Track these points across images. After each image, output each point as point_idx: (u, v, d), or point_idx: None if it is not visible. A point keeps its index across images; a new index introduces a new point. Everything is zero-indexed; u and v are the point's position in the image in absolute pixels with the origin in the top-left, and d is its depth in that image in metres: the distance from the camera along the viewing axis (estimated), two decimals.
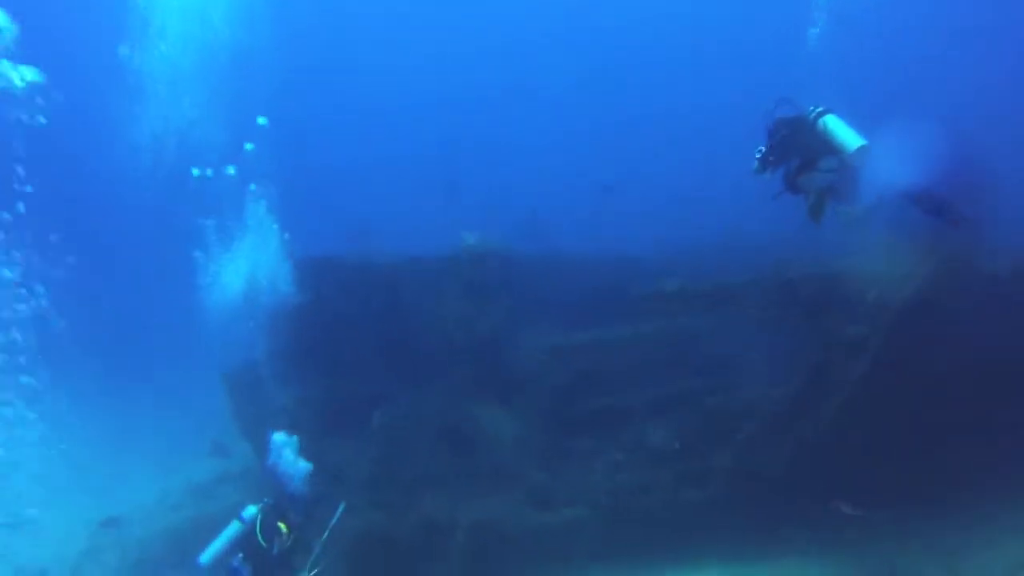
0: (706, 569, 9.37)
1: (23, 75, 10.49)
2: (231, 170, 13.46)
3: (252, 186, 13.28)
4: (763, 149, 8.49)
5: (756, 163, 8.51)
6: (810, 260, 10.15)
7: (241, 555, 8.06)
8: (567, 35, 41.45)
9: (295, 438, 9.26)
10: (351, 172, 36.55)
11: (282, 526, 8.05)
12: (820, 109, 8.42)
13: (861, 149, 7.94)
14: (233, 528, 8.34)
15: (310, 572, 8.32)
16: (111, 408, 20.77)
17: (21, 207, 12.43)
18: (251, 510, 8.43)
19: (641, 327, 11.45)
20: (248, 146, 13.95)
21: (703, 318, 11.00)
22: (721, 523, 9.41)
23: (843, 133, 8.16)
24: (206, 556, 8.18)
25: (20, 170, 12.31)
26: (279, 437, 9.24)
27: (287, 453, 9.13)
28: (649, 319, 11.49)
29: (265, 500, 8.58)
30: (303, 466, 9.03)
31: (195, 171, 13.41)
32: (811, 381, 9.73)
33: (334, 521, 8.66)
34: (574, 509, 9.97)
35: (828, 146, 8.17)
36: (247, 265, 12.91)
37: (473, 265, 13.12)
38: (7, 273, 12.37)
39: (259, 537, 8.07)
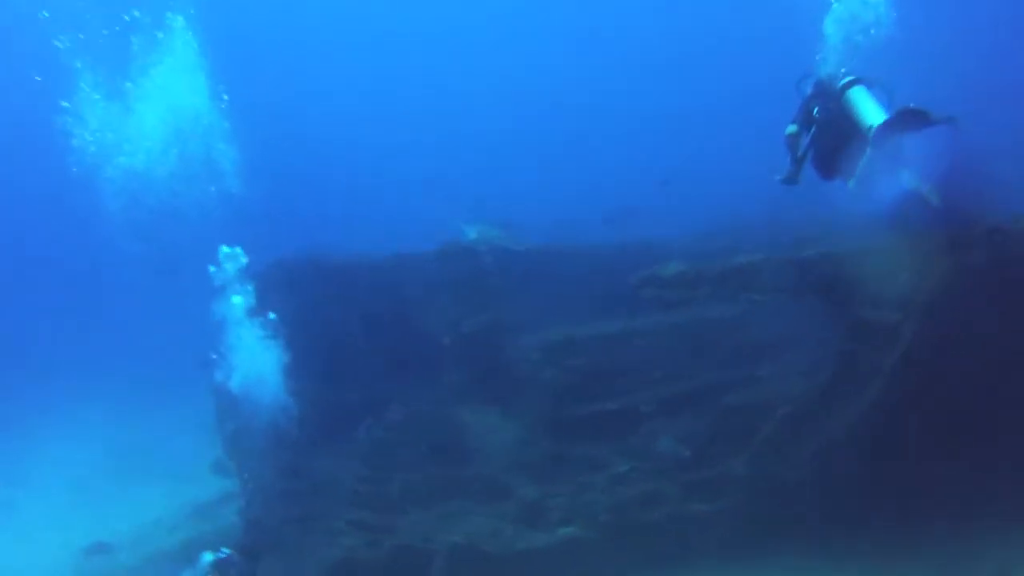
0: None
1: None
2: None
3: None
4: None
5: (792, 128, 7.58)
6: (829, 237, 8.82)
7: None
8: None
9: None
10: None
11: None
12: (851, 78, 7.11)
13: (882, 127, 6.63)
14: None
15: None
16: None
17: None
18: (207, 557, 7.95)
19: (645, 319, 10.23)
20: None
21: (713, 306, 9.74)
22: (735, 539, 8.20)
23: (867, 108, 6.91)
24: None
25: None
26: None
27: None
28: (654, 310, 10.25)
29: (221, 550, 8.04)
30: None
31: None
32: (838, 373, 8.42)
33: None
34: (569, 528, 8.81)
35: (852, 123, 6.96)
36: None
37: (465, 260, 12.13)
38: None
39: None
